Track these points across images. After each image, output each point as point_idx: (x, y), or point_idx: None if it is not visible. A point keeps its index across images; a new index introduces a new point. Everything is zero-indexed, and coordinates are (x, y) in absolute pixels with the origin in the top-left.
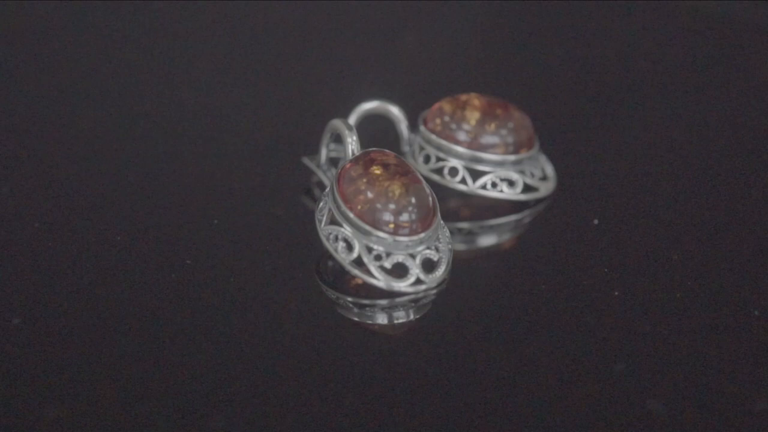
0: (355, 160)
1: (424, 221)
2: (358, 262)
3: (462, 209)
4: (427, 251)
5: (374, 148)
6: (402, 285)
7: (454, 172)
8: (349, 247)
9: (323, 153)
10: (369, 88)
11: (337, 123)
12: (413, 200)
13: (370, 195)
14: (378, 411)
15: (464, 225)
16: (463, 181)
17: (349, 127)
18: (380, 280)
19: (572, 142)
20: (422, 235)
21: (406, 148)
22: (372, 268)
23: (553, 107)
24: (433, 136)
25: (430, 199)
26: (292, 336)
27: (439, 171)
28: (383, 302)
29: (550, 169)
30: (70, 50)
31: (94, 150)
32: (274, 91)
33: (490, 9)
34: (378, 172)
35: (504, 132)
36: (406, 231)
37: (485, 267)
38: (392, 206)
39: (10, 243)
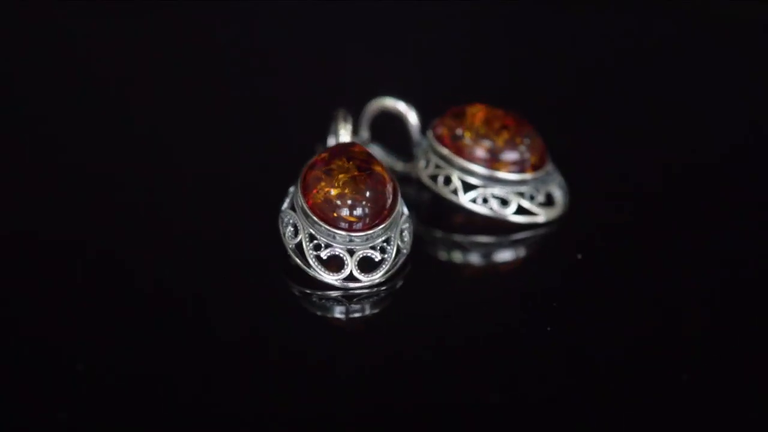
0: (329, 149)
1: (372, 219)
2: (300, 249)
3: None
4: (369, 251)
5: (355, 141)
6: (330, 277)
7: (448, 180)
8: (295, 233)
9: (331, 141)
10: (393, 85)
11: (337, 113)
12: (362, 196)
13: (322, 184)
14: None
15: (457, 237)
16: (455, 191)
17: (344, 118)
18: (312, 269)
19: (591, 161)
20: (367, 233)
21: (416, 151)
22: (309, 256)
23: (577, 122)
24: (446, 151)
25: (388, 199)
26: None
27: (434, 177)
28: (319, 292)
29: (559, 195)
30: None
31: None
32: (296, 84)
33: (518, 10)
34: (339, 163)
35: (522, 149)
36: (347, 225)
37: (456, 280)
38: (336, 199)
39: None
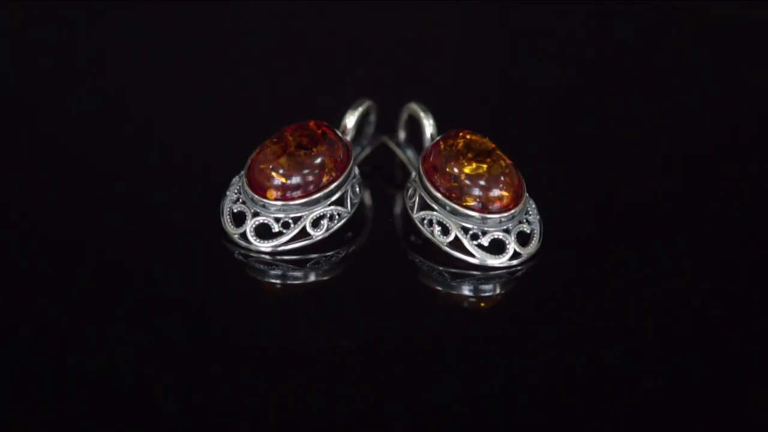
0: (300, 123)
1: (289, 194)
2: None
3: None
4: (271, 220)
5: (339, 131)
6: (231, 230)
7: (412, 195)
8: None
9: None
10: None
11: (363, 99)
12: (285, 169)
13: (266, 149)
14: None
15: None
16: (412, 207)
17: (353, 108)
18: (222, 218)
19: (591, 161)
20: (278, 203)
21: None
22: (225, 207)
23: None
24: (421, 168)
25: (318, 184)
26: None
27: (407, 189)
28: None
29: (510, 246)
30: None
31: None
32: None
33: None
34: (292, 137)
35: (482, 188)
36: (280, 195)
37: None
38: (264, 163)
39: None
